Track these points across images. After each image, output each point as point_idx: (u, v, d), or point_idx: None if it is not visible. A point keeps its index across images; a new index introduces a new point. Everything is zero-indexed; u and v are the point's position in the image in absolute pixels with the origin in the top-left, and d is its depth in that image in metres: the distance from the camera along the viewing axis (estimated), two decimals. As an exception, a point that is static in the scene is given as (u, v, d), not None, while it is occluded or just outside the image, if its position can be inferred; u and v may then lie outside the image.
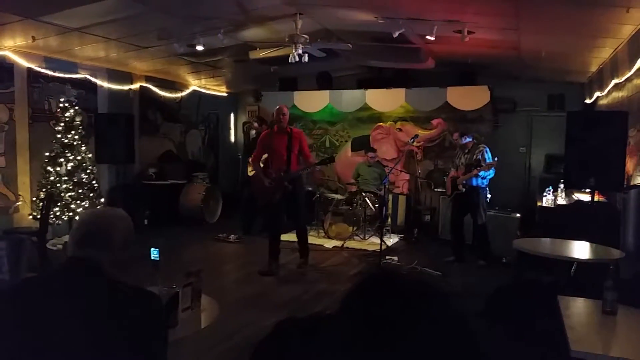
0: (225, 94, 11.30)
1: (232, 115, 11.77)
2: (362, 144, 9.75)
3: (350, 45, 6.61)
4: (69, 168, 7.02)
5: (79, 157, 7.14)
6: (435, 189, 9.00)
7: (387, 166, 8.47)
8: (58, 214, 6.88)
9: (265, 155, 6.48)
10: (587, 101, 7.75)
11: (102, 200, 7.56)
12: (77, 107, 7.28)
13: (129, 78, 8.83)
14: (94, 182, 7.36)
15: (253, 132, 8.57)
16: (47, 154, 7.03)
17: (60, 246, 6.88)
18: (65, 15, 5.65)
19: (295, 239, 6.55)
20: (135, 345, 1.50)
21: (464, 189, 6.69)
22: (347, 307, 0.88)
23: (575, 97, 8.26)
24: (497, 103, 8.90)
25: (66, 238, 6.98)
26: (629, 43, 4.96)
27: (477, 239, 6.91)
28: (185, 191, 9.23)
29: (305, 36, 6.19)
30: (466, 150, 6.83)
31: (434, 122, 9.31)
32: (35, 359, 1.47)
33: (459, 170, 6.84)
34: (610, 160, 4.53)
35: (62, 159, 7.00)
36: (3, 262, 4.29)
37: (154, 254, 2.99)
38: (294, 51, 6.19)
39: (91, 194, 7.24)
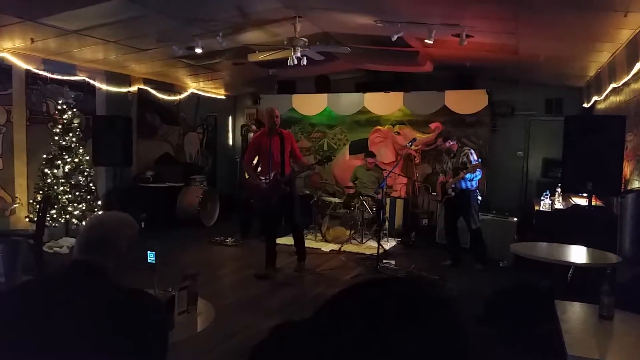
0: (223, 97, 11.31)
1: (230, 118, 11.77)
2: (360, 148, 9.74)
3: (349, 49, 6.63)
4: (66, 170, 7.02)
5: (76, 160, 7.14)
6: (433, 193, 8.99)
7: (385, 170, 8.47)
8: (55, 216, 6.87)
9: (257, 158, 6.48)
10: (585, 105, 7.77)
11: (99, 202, 7.55)
12: (75, 110, 7.28)
13: (127, 80, 8.83)
14: (91, 184, 7.35)
15: (251, 135, 8.56)
16: (44, 156, 7.02)
17: (58, 249, 6.87)
18: (64, 18, 5.65)
19: (292, 242, 6.54)
20: (136, 349, 1.51)
21: (453, 193, 6.71)
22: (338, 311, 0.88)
23: (573, 101, 8.29)
24: (495, 107, 8.91)
25: (63, 241, 7.01)
26: (627, 47, 4.97)
27: (472, 243, 6.91)
28: (183, 194, 9.21)
29: (304, 39, 6.21)
30: (452, 155, 6.85)
31: (432, 125, 9.31)
32: None
33: (447, 175, 6.86)
34: (607, 164, 4.53)
35: (59, 161, 7.00)
36: (-1, 265, 4.28)
37: (151, 257, 2.98)
38: (292, 54, 6.20)
39: (88, 197, 7.24)
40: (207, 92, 10.82)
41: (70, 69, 7.70)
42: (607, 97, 6.36)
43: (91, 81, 8.15)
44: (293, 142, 6.23)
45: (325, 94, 9.87)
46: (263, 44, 6.85)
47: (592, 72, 6.93)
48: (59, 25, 5.92)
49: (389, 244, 8.16)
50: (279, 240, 6.50)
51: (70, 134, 7.13)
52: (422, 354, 0.79)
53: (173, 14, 5.84)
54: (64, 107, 7.13)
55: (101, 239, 1.70)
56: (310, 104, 10.02)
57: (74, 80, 7.83)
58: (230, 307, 4.94)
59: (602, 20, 4.70)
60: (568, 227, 5.12)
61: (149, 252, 2.98)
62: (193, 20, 6.01)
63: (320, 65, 7.62)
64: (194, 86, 10.32)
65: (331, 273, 6.51)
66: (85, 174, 7.24)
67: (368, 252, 7.52)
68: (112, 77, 8.48)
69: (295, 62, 6.26)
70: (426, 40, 5.77)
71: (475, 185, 6.72)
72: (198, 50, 6.67)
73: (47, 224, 6.56)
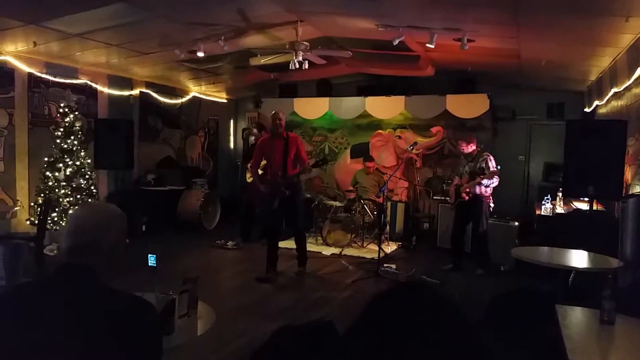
0: (225, 101, 11.33)
1: (231, 121, 11.78)
2: (361, 151, 9.75)
3: (351, 53, 6.64)
4: (67, 173, 7.02)
5: (77, 163, 7.15)
6: (434, 197, 9.00)
7: (386, 174, 8.47)
8: (56, 219, 6.88)
9: (264, 162, 6.49)
10: (587, 110, 7.77)
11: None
12: (77, 113, 7.29)
13: (129, 84, 8.85)
14: (92, 187, 7.36)
15: (252, 138, 8.57)
16: (46, 159, 7.03)
17: (57, 252, 6.87)
18: (66, 21, 5.67)
19: (294, 246, 6.54)
20: (129, 354, 1.48)
21: (467, 197, 6.67)
22: (364, 321, 0.88)
23: (574, 105, 8.28)
24: (496, 111, 8.91)
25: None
26: (628, 52, 4.98)
27: (476, 247, 6.90)
28: (184, 197, 9.22)
29: (306, 43, 6.22)
30: (470, 159, 6.80)
31: (433, 129, 9.33)
32: None
33: (462, 178, 6.81)
34: (609, 169, 4.53)
35: (61, 164, 7.00)
36: (0, 267, 4.29)
37: (152, 260, 2.98)
38: (294, 58, 6.21)
39: (89, 200, 7.24)
40: (209, 95, 10.84)
41: (73, 73, 7.73)
42: (608, 101, 6.35)
43: (93, 84, 8.18)
44: (299, 145, 6.21)
45: (327, 98, 9.89)
46: (265, 47, 6.87)
47: (593, 77, 6.93)
48: (62, 28, 5.94)
49: (389, 247, 8.16)
50: (280, 244, 6.50)
51: (72, 137, 7.15)
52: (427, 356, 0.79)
53: (175, 18, 5.85)
54: (66, 110, 7.15)
55: (87, 238, 1.61)
56: (312, 108, 10.03)
57: (76, 84, 7.85)
58: (231, 310, 4.94)
59: (604, 24, 4.70)
60: (569, 231, 5.12)
61: (149, 255, 2.98)
62: (195, 24, 6.02)
63: (322, 69, 7.64)
64: (195, 90, 10.34)
65: (332, 277, 6.51)
66: (87, 177, 7.25)
67: (369, 255, 7.52)
68: (114, 81, 8.50)
69: (297, 65, 6.27)
70: (428, 45, 5.77)
71: (489, 192, 6.68)
72: (200, 54, 6.69)
73: (48, 227, 6.56)
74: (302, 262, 6.46)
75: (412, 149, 7.54)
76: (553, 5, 4.52)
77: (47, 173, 6.95)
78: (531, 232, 6.65)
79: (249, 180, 7.90)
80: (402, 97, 9.20)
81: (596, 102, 6.97)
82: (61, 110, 7.16)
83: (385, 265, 6.85)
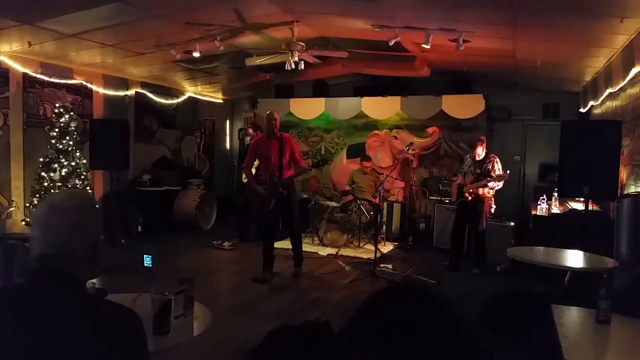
0: (221, 101, 11.31)
1: (227, 121, 11.77)
2: (357, 152, 9.76)
3: (347, 53, 6.64)
4: (63, 174, 6.99)
5: (73, 163, 7.12)
6: (430, 197, 9.01)
7: (382, 174, 8.47)
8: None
9: (257, 162, 6.48)
10: (582, 110, 7.79)
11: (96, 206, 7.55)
12: (72, 113, 7.26)
13: (124, 84, 8.83)
14: (87, 188, 7.33)
15: (248, 138, 8.56)
16: (41, 159, 7.00)
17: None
18: (61, 21, 5.64)
19: (290, 246, 6.54)
20: None
21: (470, 198, 6.66)
22: (356, 320, 0.88)
23: (569, 106, 8.30)
24: (492, 111, 8.93)
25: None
26: (623, 53, 4.99)
27: (474, 247, 6.90)
28: (180, 198, 9.20)
29: (302, 43, 6.21)
30: (476, 159, 6.80)
31: (429, 130, 9.35)
32: None
33: (466, 178, 6.80)
34: (604, 169, 4.54)
35: (56, 165, 6.98)
36: (-5, 268, 4.26)
37: (147, 260, 2.98)
38: (290, 58, 6.20)
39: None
40: (205, 95, 10.82)
41: (68, 73, 7.70)
42: (603, 102, 6.38)
43: (88, 85, 8.15)
44: (294, 145, 6.21)
45: (323, 98, 9.89)
46: (261, 48, 6.86)
47: (588, 77, 6.96)
48: (57, 28, 5.92)
49: (386, 248, 8.16)
50: (277, 244, 6.49)
51: (67, 138, 7.12)
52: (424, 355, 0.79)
53: (171, 18, 5.84)
54: (61, 110, 7.12)
55: (59, 251, 1.44)
56: (308, 108, 10.03)
57: (72, 84, 7.82)
58: (227, 311, 4.93)
59: (599, 25, 4.72)
60: (565, 231, 5.13)
61: (145, 255, 2.97)
62: (191, 24, 6.01)
63: (318, 69, 7.64)
64: (191, 90, 10.32)
65: (328, 277, 6.50)
66: (82, 177, 7.22)
67: (365, 256, 7.52)
68: (110, 81, 8.48)
69: (293, 66, 6.27)
70: (423, 45, 5.78)
71: (492, 194, 6.67)
72: (196, 54, 6.68)
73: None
74: (298, 262, 6.45)
75: (408, 149, 7.55)
76: (548, 6, 4.54)
77: (43, 173, 6.92)
78: (527, 232, 6.67)
79: (245, 180, 7.89)
80: (398, 98, 9.22)
81: (591, 103, 6.99)
82: (56, 110, 7.13)
83: (381, 265, 6.85)
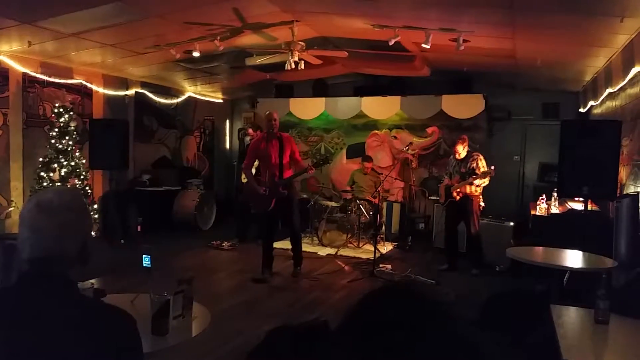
0: (221, 101, 11.31)
1: (227, 121, 11.77)
2: (357, 152, 9.77)
3: (346, 53, 6.64)
4: (62, 174, 6.99)
5: (72, 163, 7.12)
6: (430, 197, 9.01)
7: (382, 174, 8.47)
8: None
9: (257, 162, 6.47)
10: (582, 110, 7.80)
11: (95, 206, 7.56)
12: (71, 113, 7.26)
13: (124, 84, 8.83)
14: (87, 188, 7.34)
15: (248, 138, 8.56)
16: (40, 159, 7.00)
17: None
18: (61, 21, 5.64)
19: (289, 247, 6.53)
20: None
21: (458, 197, 6.67)
22: (351, 318, 0.88)
23: (569, 106, 8.30)
24: (491, 111, 8.93)
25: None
26: (623, 52, 5.00)
27: (470, 247, 6.91)
28: (179, 197, 9.19)
29: (302, 43, 6.21)
30: (460, 158, 6.80)
31: (429, 130, 9.35)
32: None
33: (452, 178, 6.81)
34: (603, 169, 4.54)
35: (55, 165, 6.98)
36: (-6, 268, 4.26)
37: (146, 260, 2.98)
38: (290, 58, 6.20)
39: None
40: (205, 95, 10.82)
41: (68, 72, 7.69)
42: (603, 101, 6.38)
43: (88, 84, 8.15)
44: (293, 145, 6.21)
45: (323, 98, 9.89)
46: (261, 47, 6.86)
47: (588, 77, 6.96)
48: (57, 28, 5.92)
49: (385, 248, 8.15)
50: (276, 244, 6.49)
51: (67, 137, 7.12)
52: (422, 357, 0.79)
53: (171, 18, 5.84)
54: (61, 110, 7.12)
55: (49, 254, 1.39)
56: (308, 108, 10.03)
57: (71, 84, 7.82)
58: (226, 311, 4.93)
59: (599, 25, 4.72)
60: (564, 231, 5.13)
61: (144, 255, 2.98)
62: (191, 24, 6.01)
63: (318, 69, 7.64)
64: (191, 90, 10.31)
65: (327, 277, 6.50)
66: (82, 177, 7.22)
67: (364, 256, 7.52)
68: (109, 81, 8.48)
69: (293, 66, 6.27)
70: (423, 45, 5.78)
71: (479, 191, 6.68)
72: (196, 54, 6.68)
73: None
74: (297, 262, 6.45)
75: (407, 149, 7.54)
76: (548, 5, 4.54)
77: (42, 173, 6.92)
78: (526, 232, 6.67)
79: (245, 180, 7.89)
80: (398, 98, 9.21)
81: (591, 103, 6.99)
82: (56, 110, 7.13)
83: (380, 265, 6.85)
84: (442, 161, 9.34)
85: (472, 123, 8.94)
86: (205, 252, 7.71)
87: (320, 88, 9.98)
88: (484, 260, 6.81)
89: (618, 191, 4.89)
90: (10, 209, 6.94)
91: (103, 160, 7.47)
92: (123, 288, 3.19)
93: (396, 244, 8.52)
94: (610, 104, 6.08)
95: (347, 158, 10.09)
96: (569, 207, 6.29)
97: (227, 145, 11.79)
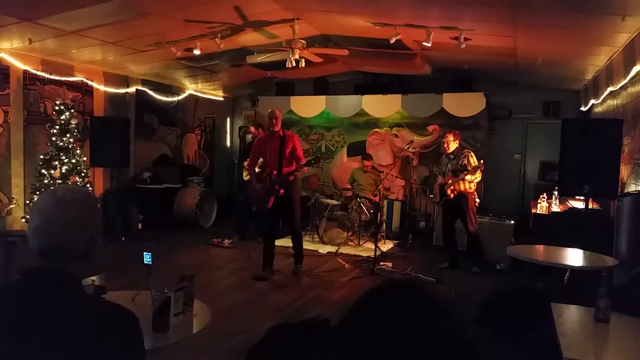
0: (221, 98, 11.31)
1: (228, 119, 11.77)
2: (358, 150, 9.76)
3: (347, 51, 6.63)
4: (63, 171, 7.00)
5: (73, 160, 7.13)
6: (430, 195, 9.00)
7: (383, 172, 8.47)
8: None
9: (261, 160, 6.48)
10: (583, 109, 7.79)
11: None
12: (72, 110, 7.27)
13: (125, 81, 8.83)
14: (88, 185, 7.34)
15: (249, 136, 8.57)
16: (41, 156, 7.01)
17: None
18: (62, 18, 5.64)
19: (290, 244, 6.54)
20: None
21: (452, 195, 6.68)
22: (352, 316, 0.88)
23: (570, 104, 8.30)
24: (492, 110, 8.92)
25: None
26: (624, 51, 4.99)
27: (470, 246, 6.91)
28: (180, 195, 9.20)
29: (303, 41, 6.21)
30: (452, 157, 6.82)
31: (430, 128, 9.34)
32: None
33: (446, 176, 6.82)
34: (604, 167, 4.54)
35: (56, 162, 6.98)
36: (-5, 265, 4.27)
37: (147, 258, 2.98)
38: (291, 56, 6.20)
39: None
40: (205, 93, 10.82)
41: (69, 70, 7.70)
42: (604, 100, 6.37)
43: (89, 82, 8.15)
44: (295, 143, 6.19)
45: (324, 96, 9.88)
46: (261, 45, 6.86)
47: (589, 76, 6.95)
48: (57, 25, 5.92)
49: (386, 246, 8.16)
50: (277, 242, 6.49)
51: (68, 135, 7.12)
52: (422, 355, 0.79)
53: (171, 15, 5.84)
54: (62, 107, 7.12)
55: (58, 244, 1.44)
56: (309, 106, 10.03)
57: (72, 81, 7.83)
58: (226, 308, 4.94)
59: (600, 23, 4.71)
60: (565, 230, 5.13)
61: (145, 253, 2.98)
62: (191, 22, 6.01)
63: (319, 67, 7.63)
64: (192, 87, 10.32)
65: (328, 275, 6.50)
66: (83, 174, 7.23)
67: (365, 254, 7.52)
68: (110, 78, 8.48)
69: (294, 63, 6.26)
70: (424, 43, 5.78)
71: (474, 188, 6.70)
72: (196, 52, 6.67)
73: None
74: (298, 260, 6.46)
75: (408, 148, 7.54)
76: (550, 3, 4.53)
77: (43, 171, 6.92)
78: (527, 230, 6.67)
79: (246, 178, 7.89)
80: (399, 96, 9.21)
81: (592, 101, 6.99)
82: (57, 107, 7.13)
83: (381, 263, 6.86)
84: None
85: (473, 121, 8.94)
86: (206, 250, 7.72)
87: (321, 86, 9.97)
88: (485, 259, 6.82)
89: (619, 190, 4.89)
90: (11, 206, 6.95)
91: (104, 158, 7.47)
92: (124, 285, 3.19)
93: (397, 242, 8.52)
94: (612, 102, 6.07)
95: (348, 156, 10.09)
96: (570, 206, 6.29)
97: (228, 143, 11.80)
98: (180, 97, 10.16)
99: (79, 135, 7.38)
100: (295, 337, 1.10)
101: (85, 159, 7.34)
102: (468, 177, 6.51)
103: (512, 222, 7.18)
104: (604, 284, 2.62)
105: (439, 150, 9.41)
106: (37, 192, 6.83)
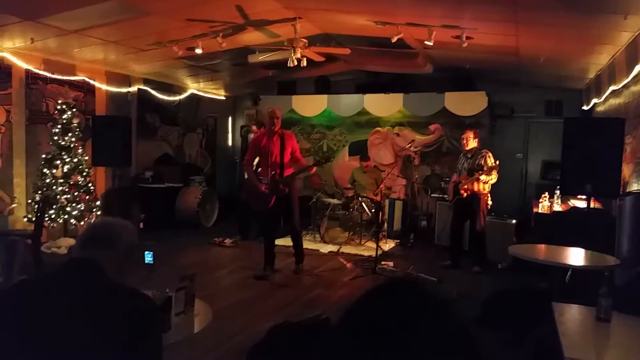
0: (223, 98, 11.31)
1: (230, 118, 11.77)
2: (359, 149, 9.76)
3: (349, 50, 6.63)
4: (65, 170, 7.01)
5: (75, 160, 7.14)
6: (432, 194, 9.01)
7: (384, 171, 8.47)
8: (53, 216, 6.87)
9: (257, 159, 6.47)
10: (585, 108, 7.77)
11: (98, 203, 7.57)
12: (74, 109, 7.28)
13: (127, 80, 8.83)
14: (90, 184, 7.35)
15: (251, 135, 8.56)
16: (43, 156, 7.02)
17: (56, 249, 6.86)
18: (64, 18, 5.65)
19: (291, 244, 6.54)
20: (129, 347, 1.52)
21: (465, 194, 6.65)
22: (352, 315, 0.88)
23: (572, 103, 8.28)
24: (494, 109, 8.91)
25: (61, 241, 7.00)
26: (627, 50, 4.98)
27: (473, 244, 6.89)
28: (182, 194, 9.21)
29: (304, 40, 6.20)
30: (469, 155, 6.78)
31: (432, 127, 9.34)
32: (30, 358, 1.48)
33: (461, 175, 6.80)
34: (606, 167, 4.52)
35: (58, 161, 7.00)
36: (-3, 264, 4.28)
37: (149, 257, 2.99)
38: (292, 55, 6.19)
39: (87, 197, 7.24)
40: (207, 92, 10.82)
41: (70, 69, 7.71)
42: (606, 99, 6.36)
43: (91, 81, 8.16)
44: (294, 143, 6.20)
45: (325, 95, 9.89)
46: (263, 44, 6.85)
47: (591, 75, 6.94)
48: (59, 25, 5.93)
49: (387, 245, 8.16)
50: (278, 241, 6.49)
51: (70, 134, 7.14)
52: (424, 353, 0.79)
53: (173, 15, 5.84)
54: (64, 107, 7.13)
55: (99, 237, 1.76)
56: (310, 105, 10.03)
57: (74, 80, 7.84)
58: (228, 308, 4.94)
59: (602, 22, 4.70)
60: (566, 229, 5.12)
61: (146, 252, 2.98)
62: (193, 21, 6.01)
63: (320, 66, 7.63)
64: (193, 87, 10.32)
65: (329, 274, 6.51)
66: (84, 174, 7.24)
67: (366, 253, 7.52)
68: (112, 77, 8.48)
69: (295, 63, 6.26)
70: (426, 42, 5.77)
71: (487, 189, 6.66)
72: (198, 51, 6.67)
73: (46, 224, 6.55)
74: (299, 259, 6.46)
75: (410, 147, 7.53)
76: (552, 2, 4.52)
77: (45, 170, 6.94)
78: (528, 229, 6.66)
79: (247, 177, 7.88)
80: (401, 95, 9.21)
81: (594, 100, 6.97)
82: (59, 107, 7.14)
83: (382, 262, 6.86)
84: (444, 159, 9.34)
85: (475, 120, 8.92)
86: (207, 249, 7.73)
87: (322, 85, 9.96)
88: (486, 258, 6.81)
89: (621, 189, 4.87)
90: (13, 205, 6.96)
91: (106, 157, 7.45)
92: (125, 284, 3.18)
93: (398, 241, 8.52)
94: (614, 101, 6.06)
95: (349, 155, 10.08)
96: (572, 205, 6.28)
97: (230, 143, 11.80)
98: (182, 97, 10.16)
99: (80, 135, 7.39)
100: (297, 336, 1.10)
101: (87, 158, 7.35)
102: (483, 177, 6.47)
103: (514, 221, 7.17)
104: (606, 284, 2.61)
105: (440, 150, 9.43)
106: (39, 192, 6.85)
